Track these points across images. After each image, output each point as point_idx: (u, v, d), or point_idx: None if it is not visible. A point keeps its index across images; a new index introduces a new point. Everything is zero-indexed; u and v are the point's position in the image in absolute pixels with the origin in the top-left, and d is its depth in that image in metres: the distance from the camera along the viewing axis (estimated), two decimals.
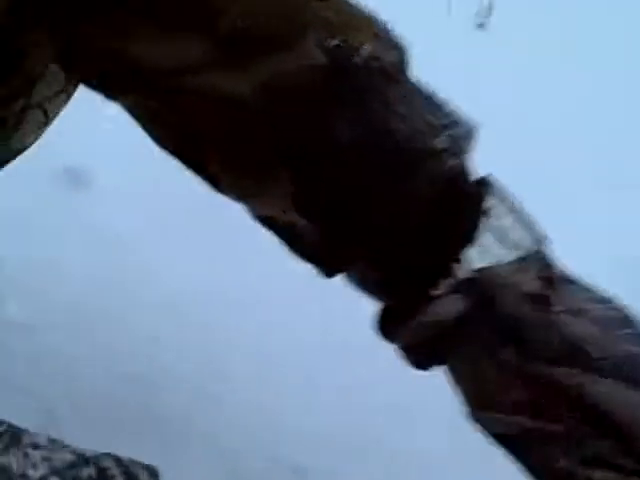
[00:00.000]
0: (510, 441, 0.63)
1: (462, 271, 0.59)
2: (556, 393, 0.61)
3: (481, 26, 1.55)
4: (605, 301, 0.64)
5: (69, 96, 0.69)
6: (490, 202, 0.60)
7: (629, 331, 0.64)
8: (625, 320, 0.65)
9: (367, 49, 0.57)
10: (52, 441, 0.55)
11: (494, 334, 0.60)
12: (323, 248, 0.61)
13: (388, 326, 0.62)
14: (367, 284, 0.62)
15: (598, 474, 0.59)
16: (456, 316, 0.60)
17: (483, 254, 0.60)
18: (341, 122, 0.56)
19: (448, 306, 0.60)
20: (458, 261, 0.59)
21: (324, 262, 0.62)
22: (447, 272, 0.59)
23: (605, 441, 0.59)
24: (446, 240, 0.59)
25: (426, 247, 0.59)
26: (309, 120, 0.56)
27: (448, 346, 0.61)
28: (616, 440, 0.59)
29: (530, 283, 0.61)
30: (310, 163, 0.57)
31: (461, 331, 0.60)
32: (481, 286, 0.60)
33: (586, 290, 0.64)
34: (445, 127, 0.58)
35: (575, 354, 0.61)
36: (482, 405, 0.63)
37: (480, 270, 0.59)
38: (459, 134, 0.59)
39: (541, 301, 0.61)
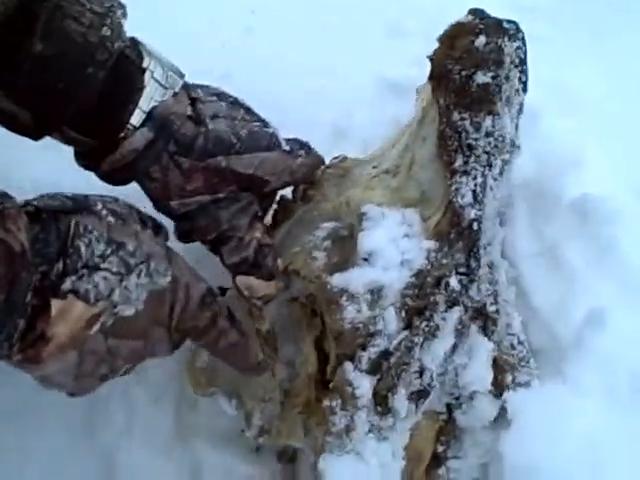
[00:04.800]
0: (189, 217, 1.05)
1: (139, 113, 0.93)
2: (218, 174, 1.04)
3: None
4: (228, 99, 1.06)
5: None
6: (146, 60, 0.93)
7: (244, 115, 1.07)
8: (240, 105, 1.08)
9: None
10: None
11: (174, 146, 0.97)
12: (33, 125, 0.86)
13: (90, 162, 0.96)
14: (71, 143, 0.93)
15: (243, 220, 1.11)
16: (145, 143, 0.94)
17: (151, 98, 0.93)
18: (35, 38, 0.80)
19: (138, 138, 0.93)
20: (135, 108, 0.92)
21: (34, 132, 0.88)
22: (129, 116, 0.92)
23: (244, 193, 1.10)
24: (124, 97, 0.91)
25: (111, 104, 0.90)
26: (10, 38, 0.79)
27: (143, 164, 0.96)
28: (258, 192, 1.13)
29: (186, 108, 0.98)
30: (13, 69, 0.80)
31: (150, 152, 0.95)
32: (158, 119, 0.94)
33: (219, 95, 1.05)
34: (107, 15, 0.85)
35: (222, 145, 1.02)
36: (169, 196, 1.02)
37: (154, 108, 0.93)
38: (118, 17, 0.87)
39: (195, 117, 0.99)
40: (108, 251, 0.82)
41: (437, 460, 1.23)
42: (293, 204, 1.26)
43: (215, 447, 1.31)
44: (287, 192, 1.30)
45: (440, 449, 1.21)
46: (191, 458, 1.30)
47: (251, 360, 1.08)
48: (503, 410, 1.22)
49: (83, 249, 0.80)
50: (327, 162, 1.28)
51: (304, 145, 1.21)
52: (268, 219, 1.26)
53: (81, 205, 0.84)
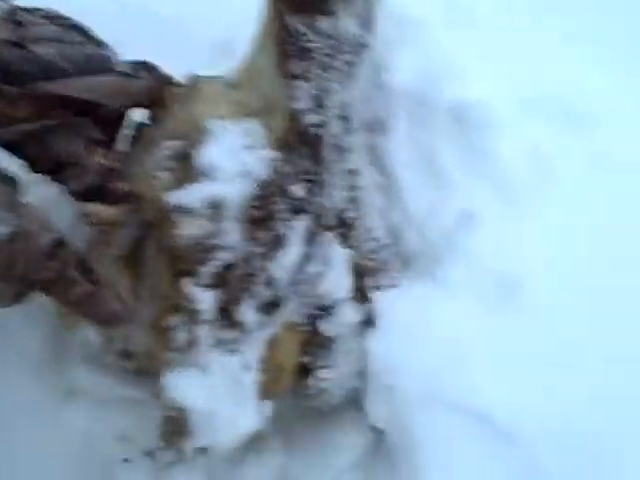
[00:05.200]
0: (19, 146, 1.00)
1: None
2: (46, 100, 1.00)
3: None
4: (62, 22, 1.03)
5: None
6: None
7: (77, 37, 1.04)
8: (74, 27, 1.05)
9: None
10: None
11: None
12: None
13: None
14: None
15: (78, 146, 1.08)
16: None
17: None
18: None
19: None
20: None
21: None
22: None
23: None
24: None
25: None
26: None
27: None
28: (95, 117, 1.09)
29: (8, 32, 0.94)
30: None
31: None
32: None
33: (52, 18, 1.02)
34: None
35: (49, 70, 0.99)
36: None
37: None
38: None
39: (19, 42, 0.95)
40: None
41: (305, 371, 1.23)
42: (145, 128, 1.23)
43: (92, 369, 1.31)
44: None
45: (307, 360, 1.21)
46: (65, 381, 1.30)
47: (106, 310, 1.05)
48: (369, 315, 1.21)
49: None
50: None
51: (147, 66, 1.17)
52: (124, 144, 1.23)
53: None
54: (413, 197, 1.35)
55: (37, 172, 1.08)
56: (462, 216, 1.28)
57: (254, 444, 1.25)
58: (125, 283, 1.19)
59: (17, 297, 0.94)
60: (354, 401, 1.34)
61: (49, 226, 0.96)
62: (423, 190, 1.35)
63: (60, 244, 0.95)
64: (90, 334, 1.24)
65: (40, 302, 1.28)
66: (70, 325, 1.22)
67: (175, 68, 1.24)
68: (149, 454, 1.30)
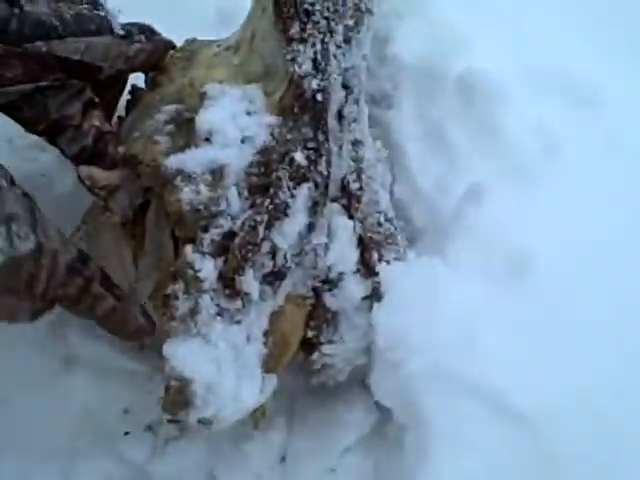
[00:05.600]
0: (14, 107, 0.98)
1: None
2: (39, 61, 0.97)
3: None
4: None
5: None
6: None
7: None
8: None
9: None
10: None
11: None
12: None
13: None
14: None
15: (74, 108, 1.05)
16: None
17: None
18: None
19: None
20: None
21: None
22: None
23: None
24: None
25: None
26: None
27: None
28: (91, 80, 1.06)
29: None
30: None
31: None
32: None
33: None
34: None
35: (41, 29, 0.96)
36: None
37: None
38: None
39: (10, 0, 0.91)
40: None
41: (311, 346, 1.20)
42: (143, 92, 1.21)
43: (93, 340, 1.27)
44: (141, 82, 1.24)
45: (311, 334, 1.18)
46: (65, 350, 1.27)
47: (131, 325, 1.03)
48: (376, 290, 1.18)
49: None
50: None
51: (145, 29, 1.15)
52: (121, 110, 1.21)
53: None
54: (420, 171, 1.33)
55: (35, 134, 1.06)
56: (470, 191, 1.26)
57: (258, 421, 1.22)
58: (126, 253, 1.17)
59: (37, 313, 0.91)
60: (360, 378, 1.31)
61: (69, 241, 0.92)
62: (430, 164, 1.33)
63: (84, 260, 0.92)
64: None
65: None
66: None
67: (175, 35, 1.22)
68: (150, 428, 1.28)
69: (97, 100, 1.09)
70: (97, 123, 1.08)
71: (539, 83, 1.38)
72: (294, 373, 1.23)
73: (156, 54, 1.16)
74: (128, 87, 1.21)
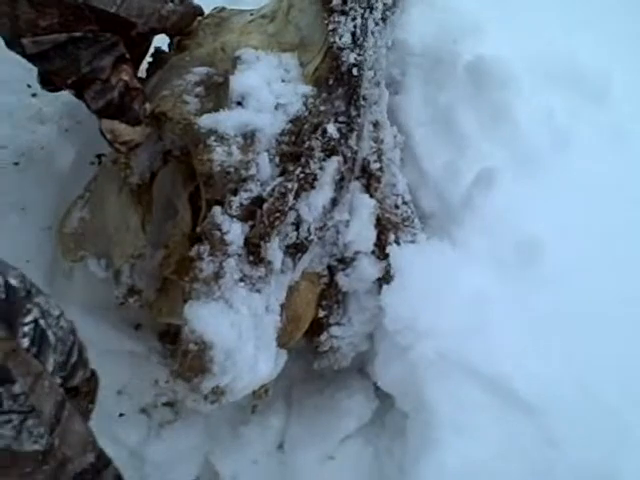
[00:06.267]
0: (45, 57, 0.96)
1: None
2: (74, 11, 0.95)
3: None
4: None
5: None
6: None
7: None
8: None
9: None
10: None
11: None
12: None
13: None
14: None
15: (105, 61, 1.05)
16: None
17: None
18: None
19: None
20: None
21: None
22: None
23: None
24: None
25: None
26: None
27: None
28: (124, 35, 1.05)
29: None
30: None
31: None
32: None
33: None
34: None
35: None
36: (20, 33, 0.93)
37: None
38: None
39: None
40: None
41: (319, 326, 1.18)
42: (167, 55, 1.18)
43: (91, 319, 1.23)
44: (164, 45, 1.22)
45: (322, 314, 1.16)
46: None
47: None
48: (388, 273, 1.17)
49: None
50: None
51: None
52: (142, 70, 1.18)
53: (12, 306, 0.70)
54: (428, 156, 1.33)
55: (60, 86, 1.02)
56: (480, 177, 1.26)
57: (260, 398, 1.18)
58: (133, 220, 1.13)
59: None
60: (359, 366, 1.30)
61: (91, 443, 0.82)
62: (439, 149, 1.32)
63: (95, 468, 0.82)
64: (92, 269, 1.16)
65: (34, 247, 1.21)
66: (72, 256, 1.14)
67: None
68: (144, 411, 1.23)
69: (128, 56, 1.06)
70: (126, 78, 1.04)
71: (548, 72, 1.37)
72: (292, 359, 1.20)
73: (187, 17, 1.14)
74: (151, 49, 1.18)
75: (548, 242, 1.22)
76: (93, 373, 0.92)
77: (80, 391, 0.88)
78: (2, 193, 1.35)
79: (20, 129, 1.42)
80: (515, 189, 1.25)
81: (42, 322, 0.74)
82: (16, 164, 1.41)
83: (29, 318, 0.72)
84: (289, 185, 1.04)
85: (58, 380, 0.78)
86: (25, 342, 0.70)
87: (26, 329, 0.71)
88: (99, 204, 1.20)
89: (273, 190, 1.04)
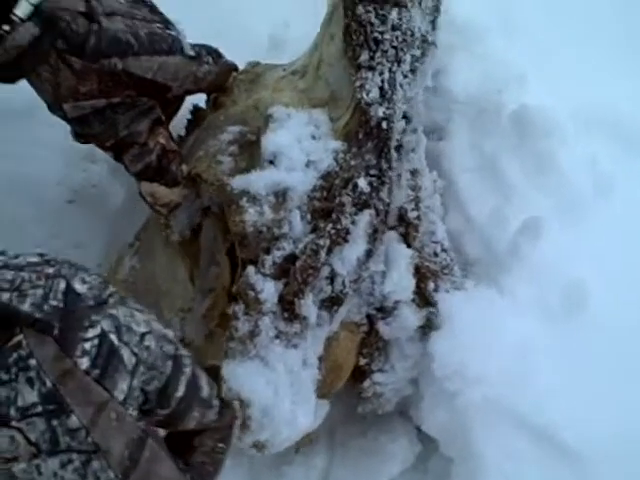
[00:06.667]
0: (84, 121, 1.01)
1: (26, 5, 0.88)
2: (113, 77, 0.98)
3: None
4: None
5: None
6: None
7: (147, 14, 1.06)
8: (144, 3, 1.05)
9: None
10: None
11: (63, 44, 0.92)
12: None
13: None
14: None
15: (142, 125, 1.09)
16: (30, 39, 0.89)
17: None
18: None
19: (22, 34, 0.88)
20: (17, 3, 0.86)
21: None
22: (12, 11, 0.86)
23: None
24: None
25: None
26: None
27: (28, 62, 0.91)
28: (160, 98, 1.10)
29: (79, 3, 0.93)
30: None
31: (36, 50, 0.89)
32: (45, 14, 0.89)
33: None
34: None
35: (117, 46, 0.97)
36: (62, 98, 0.97)
37: (40, 3, 0.88)
38: None
39: (88, 14, 0.94)
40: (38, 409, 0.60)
41: (362, 373, 1.19)
42: (205, 112, 1.22)
43: None
44: (202, 102, 1.25)
45: (363, 362, 1.17)
46: None
47: None
48: (429, 321, 1.17)
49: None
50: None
51: (212, 51, 1.16)
52: (178, 127, 1.22)
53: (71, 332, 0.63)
54: (474, 203, 1.33)
55: (100, 148, 1.07)
56: (527, 225, 1.26)
57: (300, 446, 1.20)
58: (181, 271, 1.17)
59: None
60: (401, 409, 1.30)
61: None
62: (485, 196, 1.33)
63: None
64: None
65: None
66: None
67: (232, 57, 1.24)
68: None
69: (163, 118, 1.10)
70: (162, 141, 1.08)
71: (590, 120, 1.38)
72: (335, 400, 1.21)
73: (222, 76, 1.17)
74: (189, 106, 1.22)
75: (595, 289, 1.21)
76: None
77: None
78: (58, 230, 1.42)
79: (72, 167, 1.49)
80: (560, 237, 1.25)
81: (113, 338, 0.63)
82: (70, 202, 1.48)
83: (92, 333, 0.62)
84: (321, 242, 1.06)
85: (134, 412, 0.64)
86: (84, 362, 0.60)
87: (87, 345, 0.61)
88: (148, 254, 1.25)
89: (305, 247, 1.06)
